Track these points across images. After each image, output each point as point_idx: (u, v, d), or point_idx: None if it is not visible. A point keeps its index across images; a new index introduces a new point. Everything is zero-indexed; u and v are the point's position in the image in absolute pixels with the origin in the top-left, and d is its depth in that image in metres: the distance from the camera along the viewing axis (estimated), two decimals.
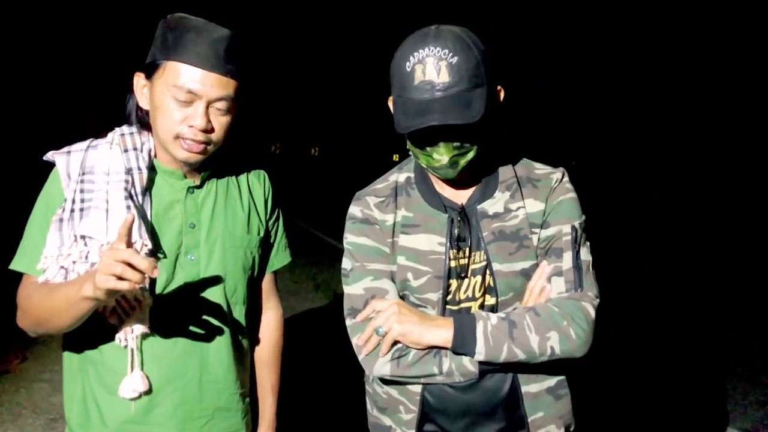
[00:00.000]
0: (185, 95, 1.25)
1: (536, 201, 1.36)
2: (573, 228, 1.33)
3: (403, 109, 1.22)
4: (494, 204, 1.35)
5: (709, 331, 5.19)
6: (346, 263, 1.40)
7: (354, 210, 1.42)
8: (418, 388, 1.36)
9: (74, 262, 1.22)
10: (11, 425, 3.28)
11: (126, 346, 1.28)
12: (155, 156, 1.36)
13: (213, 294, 1.38)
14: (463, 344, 1.24)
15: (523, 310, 1.27)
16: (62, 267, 1.22)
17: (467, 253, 1.34)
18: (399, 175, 1.44)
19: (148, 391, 1.31)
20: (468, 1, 22.44)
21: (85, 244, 1.23)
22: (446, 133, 1.22)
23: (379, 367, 1.30)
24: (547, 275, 1.31)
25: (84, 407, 1.35)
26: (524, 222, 1.34)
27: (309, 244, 9.04)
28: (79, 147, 1.33)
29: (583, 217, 1.37)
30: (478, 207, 1.35)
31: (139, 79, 1.34)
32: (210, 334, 1.38)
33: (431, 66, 1.19)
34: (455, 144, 1.24)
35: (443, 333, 1.24)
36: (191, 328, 1.35)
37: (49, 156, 1.32)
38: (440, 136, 1.23)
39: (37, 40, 16.59)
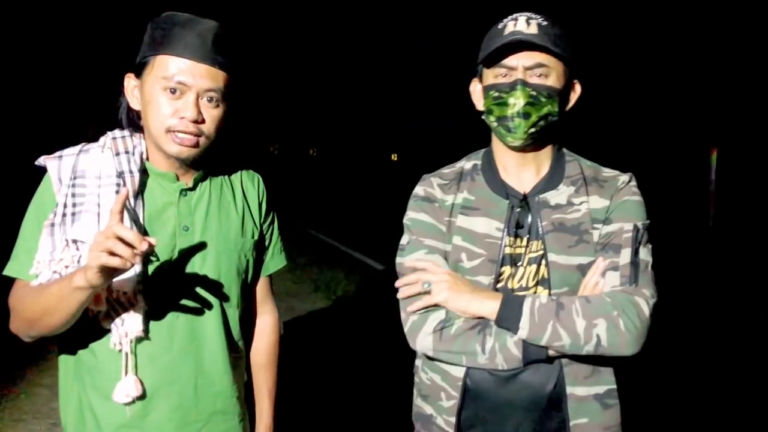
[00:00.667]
0: (175, 86, 1.25)
1: (601, 198, 1.37)
2: (635, 227, 1.31)
3: (489, 53, 1.30)
4: (557, 195, 1.37)
5: None
6: (403, 239, 1.44)
7: (417, 189, 1.47)
8: (460, 374, 1.35)
9: (67, 267, 1.22)
10: (12, 430, 3.27)
11: (120, 350, 1.28)
12: (147, 159, 1.36)
13: (207, 297, 1.37)
14: (507, 317, 1.24)
15: (575, 297, 1.27)
16: (55, 272, 1.22)
17: (525, 243, 1.35)
18: (466, 163, 1.48)
19: (143, 396, 1.31)
20: (465, 4, 22.45)
21: (77, 249, 1.23)
22: (525, 78, 1.29)
23: (421, 339, 1.31)
24: (602, 270, 1.30)
25: (80, 413, 1.35)
26: (586, 216, 1.35)
27: (309, 245, 9.04)
28: (70, 151, 1.33)
29: (648, 221, 1.35)
30: (540, 197, 1.37)
31: (129, 80, 1.34)
32: (204, 338, 1.37)
33: (522, 21, 1.30)
34: (531, 92, 1.28)
35: (490, 304, 1.26)
36: (185, 331, 1.35)
37: (41, 161, 1.32)
38: (519, 81, 1.29)
39: (35, 45, 16.57)
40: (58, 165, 1.30)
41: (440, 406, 1.39)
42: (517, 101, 1.29)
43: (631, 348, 1.22)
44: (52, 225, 1.24)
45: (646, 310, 1.24)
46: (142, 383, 1.30)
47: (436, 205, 1.42)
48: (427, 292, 1.31)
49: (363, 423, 3.42)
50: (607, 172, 1.43)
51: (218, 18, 1.34)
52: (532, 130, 1.31)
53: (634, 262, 1.29)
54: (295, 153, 38.02)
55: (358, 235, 10.07)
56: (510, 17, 1.33)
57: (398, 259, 1.43)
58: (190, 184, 1.38)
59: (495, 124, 1.35)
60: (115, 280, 1.20)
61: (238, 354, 1.48)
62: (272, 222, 1.58)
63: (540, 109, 1.30)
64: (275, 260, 1.59)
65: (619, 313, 1.22)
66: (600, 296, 1.26)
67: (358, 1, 28.66)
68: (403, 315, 1.36)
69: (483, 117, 1.40)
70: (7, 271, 1.30)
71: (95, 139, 1.39)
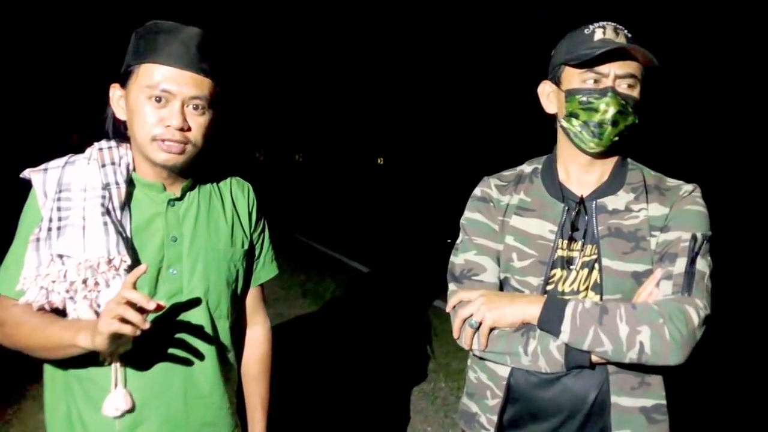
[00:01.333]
0: (160, 94, 1.25)
1: (661, 206, 1.35)
2: (693, 237, 1.28)
3: (582, 55, 1.29)
4: (615, 201, 1.36)
5: None
6: (458, 238, 1.47)
7: (476, 190, 1.50)
8: (505, 374, 1.36)
9: (53, 282, 1.21)
10: None
11: (109, 363, 1.27)
12: (134, 169, 1.35)
13: (196, 308, 1.36)
14: (549, 320, 1.23)
15: (621, 302, 1.25)
16: (42, 287, 1.21)
17: (579, 246, 1.35)
18: (527, 167, 1.50)
19: (132, 409, 1.30)
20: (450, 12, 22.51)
21: (63, 263, 1.22)
22: (615, 87, 1.29)
23: (467, 339, 1.33)
24: (656, 280, 1.28)
25: (69, 425, 1.34)
26: (644, 223, 1.33)
27: (296, 250, 9.01)
28: (56, 164, 1.32)
29: (710, 233, 1.32)
30: (598, 201, 1.36)
31: (114, 91, 1.33)
32: (194, 349, 1.36)
33: (611, 30, 1.31)
34: (621, 101, 1.29)
35: (533, 307, 1.26)
36: (175, 343, 1.34)
37: (26, 174, 1.31)
38: (610, 89, 1.29)
39: (21, 55, 16.43)
40: (43, 178, 1.29)
41: (485, 404, 1.41)
42: (608, 108, 1.28)
43: (675, 357, 1.18)
44: (38, 240, 1.23)
45: (695, 320, 1.20)
46: (131, 396, 1.30)
47: (491, 204, 1.45)
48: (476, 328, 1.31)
49: (354, 428, 3.42)
50: (671, 181, 1.41)
51: (203, 23, 1.34)
52: (616, 138, 1.31)
53: (689, 271, 1.25)
54: (281, 159, 37.93)
55: (346, 239, 10.06)
56: (596, 24, 1.33)
57: (451, 258, 1.46)
58: (178, 194, 1.37)
59: (578, 129, 1.33)
60: (104, 291, 1.21)
61: (229, 365, 1.47)
62: (263, 231, 1.57)
63: (626, 118, 1.30)
64: (266, 270, 1.59)
65: (665, 320, 1.18)
66: (647, 304, 1.23)
67: (342, 5, 28.67)
68: (448, 309, 1.39)
69: (561, 120, 1.39)
70: (1, 291, 1.28)
71: (80, 148, 1.38)
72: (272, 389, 1.62)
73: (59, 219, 1.25)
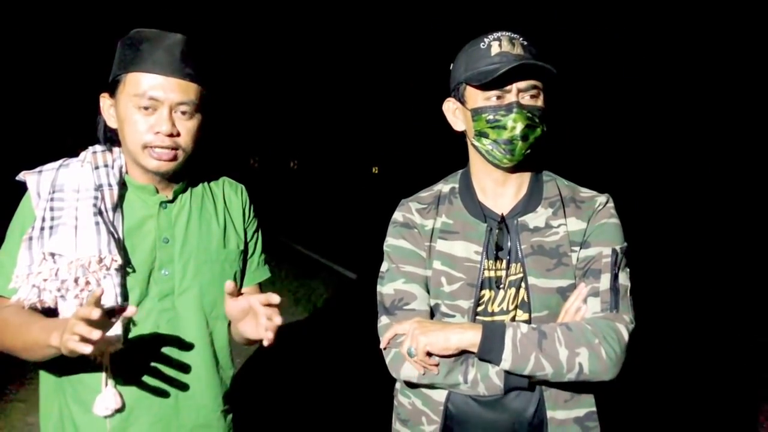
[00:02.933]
0: (147, 102, 1.27)
1: (578, 220, 1.36)
2: (614, 251, 1.32)
3: (482, 74, 1.29)
4: (536, 218, 1.36)
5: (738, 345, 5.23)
6: (383, 266, 1.44)
7: (396, 215, 1.47)
8: (442, 398, 1.35)
9: (45, 280, 1.22)
10: None
11: (100, 363, 1.28)
12: (127, 172, 1.37)
13: (189, 309, 1.37)
14: (490, 349, 1.22)
15: (556, 324, 1.26)
16: (34, 285, 1.22)
17: (504, 265, 1.35)
18: (444, 186, 1.48)
19: (122, 409, 1.31)
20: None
21: (55, 262, 1.23)
22: (520, 101, 1.29)
23: (405, 371, 1.30)
24: (583, 296, 1.30)
25: (60, 425, 1.34)
26: (564, 239, 1.34)
27: (289, 258, 9.00)
28: (51, 166, 1.34)
29: (625, 244, 1.35)
30: (519, 219, 1.36)
31: (104, 100, 1.35)
32: (186, 350, 1.37)
33: (506, 41, 1.30)
34: (528, 114, 1.28)
35: (471, 335, 1.23)
36: (167, 344, 1.34)
37: (21, 176, 1.33)
38: (515, 104, 1.28)
39: (18, 60, 16.42)
40: (37, 180, 1.31)
41: (421, 430, 1.39)
42: (516, 124, 1.28)
43: (610, 373, 1.23)
44: (30, 239, 1.25)
45: (626, 336, 1.25)
46: (121, 396, 1.30)
47: (415, 231, 1.41)
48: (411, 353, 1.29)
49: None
50: (585, 192, 1.42)
51: (195, 30, 1.35)
52: (528, 151, 1.32)
53: (614, 287, 1.29)
54: (275, 166, 37.94)
55: (339, 247, 10.05)
56: (491, 37, 1.32)
57: (378, 288, 1.42)
58: (170, 197, 1.38)
59: (489, 147, 1.33)
60: (96, 291, 1.21)
61: (224, 367, 1.47)
62: (256, 232, 1.57)
63: (535, 130, 1.30)
64: (259, 271, 1.58)
65: (600, 341, 1.22)
66: (581, 324, 1.25)
67: (340, 12, 28.78)
68: (382, 345, 1.36)
69: (471, 139, 1.38)
70: None
71: (74, 150, 1.39)
72: (265, 393, 1.60)
73: (52, 219, 1.26)
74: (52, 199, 1.28)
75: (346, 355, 4.71)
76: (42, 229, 1.25)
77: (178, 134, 1.30)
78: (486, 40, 1.32)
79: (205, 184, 1.48)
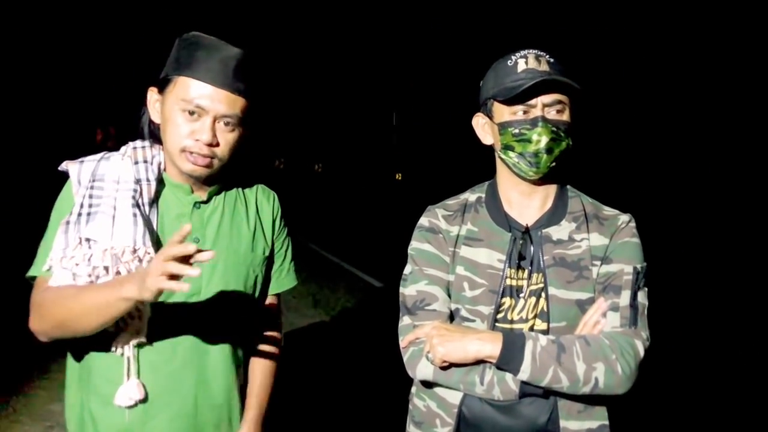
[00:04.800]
0: (193, 108, 1.29)
1: (601, 236, 1.39)
2: (635, 269, 1.35)
3: (508, 90, 1.33)
4: (559, 231, 1.40)
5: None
6: (407, 268, 1.47)
7: (422, 220, 1.50)
8: (456, 401, 1.37)
9: (77, 264, 1.24)
10: (8, 431, 3.28)
11: (122, 355, 1.30)
12: (165, 170, 1.40)
13: (213, 309, 1.39)
14: (509, 360, 1.24)
15: (574, 337, 1.28)
16: (65, 268, 1.25)
17: (526, 275, 1.37)
18: (470, 195, 1.51)
19: (144, 401, 1.33)
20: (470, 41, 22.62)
21: (89, 247, 1.25)
22: (545, 115, 1.32)
23: (421, 368, 1.33)
24: (603, 310, 1.33)
25: (81, 417, 1.37)
26: (586, 253, 1.38)
27: (309, 260, 9.05)
28: (92, 158, 1.37)
29: (645, 264, 1.38)
30: (543, 231, 1.40)
31: (152, 94, 1.38)
32: (207, 350, 1.39)
33: (533, 59, 1.35)
34: (553, 128, 1.32)
35: (490, 345, 1.25)
36: (190, 342, 1.36)
37: (63, 166, 1.36)
38: (540, 118, 1.32)
39: (53, 55, 16.76)
40: (78, 168, 1.34)
41: None
42: (541, 138, 1.32)
43: (624, 387, 1.26)
44: (68, 223, 1.27)
45: (642, 353, 1.28)
46: (144, 387, 1.32)
47: (440, 236, 1.44)
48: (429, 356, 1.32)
49: None
50: (608, 210, 1.45)
51: (229, 32, 1.37)
52: (553, 164, 1.35)
53: (633, 304, 1.32)
54: (300, 168, 38.13)
55: (360, 252, 10.07)
56: (518, 54, 1.36)
57: (401, 289, 1.46)
58: (204, 198, 1.41)
59: (515, 160, 1.37)
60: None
61: (240, 368, 1.49)
62: (285, 240, 1.58)
63: (560, 144, 1.34)
64: (285, 279, 1.59)
65: (617, 356, 1.25)
66: (599, 338, 1.28)
67: (364, 19, 28.89)
68: (402, 345, 1.39)
69: (498, 152, 1.42)
70: (31, 273, 1.32)
71: (104, 144, 1.43)
72: (278, 395, 1.62)
73: (90, 206, 1.29)
74: (92, 187, 1.31)
75: (362, 359, 4.72)
76: (80, 214, 1.28)
77: (217, 144, 1.32)
78: (513, 57, 1.37)
79: (240, 188, 1.50)
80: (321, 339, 5.31)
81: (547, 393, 1.30)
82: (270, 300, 1.59)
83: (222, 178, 1.43)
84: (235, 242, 1.44)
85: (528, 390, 1.27)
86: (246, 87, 1.34)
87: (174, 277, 1.08)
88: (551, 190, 1.44)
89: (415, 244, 1.47)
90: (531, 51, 1.36)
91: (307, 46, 30.97)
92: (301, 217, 13.58)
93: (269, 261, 1.54)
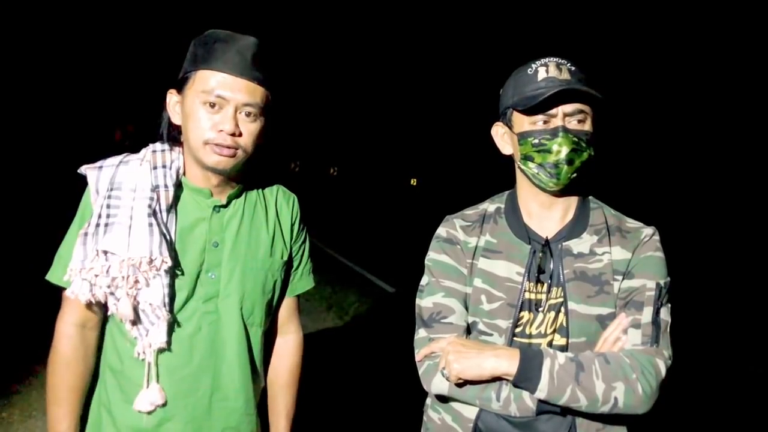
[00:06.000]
0: (214, 99, 1.29)
1: (623, 249, 1.35)
2: (657, 285, 1.31)
3: (527, 99, 1.30)
4: (580, 244, 1.36)
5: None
6: (423, 280, 1.44)
7: (440, 230, 1.46)
8: (472, 416, 1.35)
9: (96, 276, 1.26)
10: (20, 426, 3.31)
11: (144, 359, 1.31)
12: (184, 174, 1.39)
13: (231, 313, 1.39)
14: (526, 378, 1.21)
15: (593, 355, 1.25)
16: (84, 279, 1.26)
17: (545, 288, 1.34)
18: (490, 205, 1.48)
19: (163, 405, 1.34)
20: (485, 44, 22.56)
21: (107, 259, 1.26)
22: (566, 125, 1.29)
23: (437, 383, 1.30)
24: (623, 327, 1.28)
25: (97, 411, 1.39)
26: (608, 267, 1.33)
27: (323, 263, 9.05)
28: (111, 162, 1.37)
29: (668, 279, 1.34)
30: (564, 244, 1.36)
31: (171, 96, 1.38)
32: (224, 354, 1.39)
33: (553, 67, 1.31)
34: (574, 139, 1.29)
35: (506, 362, 1.22)
36: (206, 346, 1.37)
37: (82, 170, 1.37)
38: (561, 128, 1.29)
39: (72, 55, 16.96)
40: (97, 175, 1.34)
41: None
42: (561, 148, 1.28)
43: (644, 407, 1.22)
44: (86, 234, 1.28)
45: (663, 371, 1.24)
46: (164, 392, 1.34)
47: (458, 247, 1.41)
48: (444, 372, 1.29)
49: None
50: (631, 223, 1.41)
51: (243, 31, 1.38)
52: (574, 175, 1.31)
53: (656, 321, 1.28)
54: (315, 171, 38.27)
55: (373, 257, 10.07)
56: (538, 62, 1.33)
57: (417, 301, 1.43)
58: (224, 201, 1.41)
59: (535, 171, 1.33)
60: (144, 290, 1.27)
61: (257, 372, 1.49)
62: (303, 243, 1.58)
63: (581, 154, 1.30)
64: (303, 282, 1.60)
65: (638, 375, 1.21)
66: (619, 356, 1.24)
67: (381, 24, 28.94)
68: (417, 358, 1.36)
69: (518, 163, 1.39)
70: (49, 277, 1.36)
71: (122, 144, 1.44)
72: (298, 401, 1.62)
73: (107, 216, 1.30)
74: (109, 197, 1.31)
75: (374, 365, 4.71)
76: (98, 225, 1.28)
77: (240, 134, 1.32)
78: (534, 65, 1.33)
79: (259, 191, 1.50)
80: (333, 343, 5.31)
81: (565, 411, 1.26)
82: (287, 302, 1.59)
83: (242, 180, 1.43)
84: (254, 247, 1.44)
85: (545, 408, 1.24)
86: (264, 76, 1.34)
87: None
88: (572, 201, 1.40)
89: (432, 255, 1.44)
90: (552, 59, 1.33)
91: (323, 49, 31.09)
92: (315, 220, 13.59)
93: (288, 264, 1.54)
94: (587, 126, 1.31)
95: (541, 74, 1.31)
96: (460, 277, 1.39)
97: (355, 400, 4.03)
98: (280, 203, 1.53)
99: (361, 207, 22.24)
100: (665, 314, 1.31)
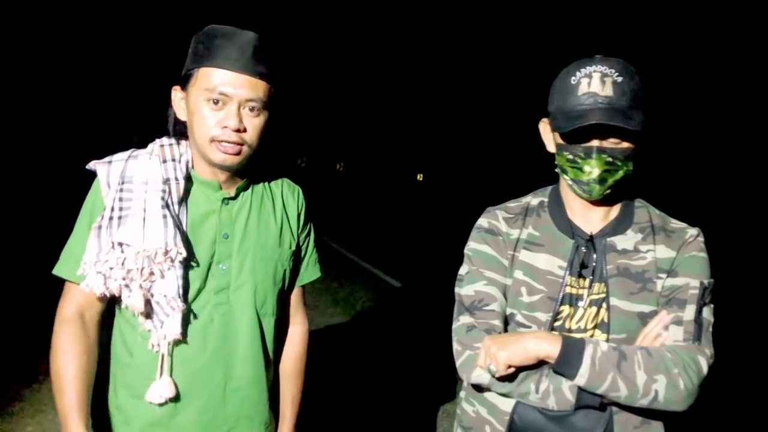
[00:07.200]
0: (217, 97, 1.30)
1: (668, 248, 1.34)
2: (701, 284, 1.30)
3: (564, 116, 1.27)
4: (624, 240, 1.35)
5: None
6: (462, 269, 1.44)
7: (481, 221, 1.46)
8: (508, 409, 1.34)
9: (111, 269, 1.27)
10: (31, 420, 3.34)
11: (158, 351, 1.32)
12: (192, 167, 1.41)
13: (243, 304, 1.41)
14: (567, 363, 1.20)
15: (636, 347, 1.24)
16: (99, 272, 1.27)
17: (587, 284, 1.34)
18: (533, 199, 1.47)
19: (174, 397, 1.35)
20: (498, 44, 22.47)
21: (122, 251, 1.27)
22: (601, 145, 1.26)
23: (476, 374, 1.30)
24: (665, 323, 1.28)
25: (109, 413, 1.39)
26: (651, 265, 1.33)
27: (330, 259, 9.07)
28: (120, 157, 1.38)
29: (712, 280, 1.33)
30: (608, 240, 1.35)
31: (176, 93, 1.39)
32: (237, 344, 1.41)
33: (597, 80, 1.25)
34: (608, 159, 1.26)
35: (548, 346, 1.21)
36: (219, 336, 1.38)
37: (92, 165, 1.37)
38: (595, 149, 1.26)
39: (88, 58, 17.02)
40: (107, 170, 1.35)
41: None
42: (593, 170, 1.27)
43: (683, 404, 1.21)
44: (99, 227, 1.29)
45: (705, 369, 1.23)
46: (175, 385, 1.34)
47: (500, 238, 1.41)
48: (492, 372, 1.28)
49: None
50: (675, 223, 1.40)
51: (252, 28, 1.38)
52: (607, 192, 1.30)
53: (698, 320, 1.27)
54: (322, 166, 38.29)
55: (380, 252, 10.08)
56: (583, 71, 1.27)
57: (456, 289, 1.43)
58: (233, 194, 1.42)
59: (569, 183, 1.33)
60: (158, 281, 1.27)
61: (269, 361, 1.50)
62: (309, 234, 1.61)
63: (615, 173, 1.28)
64: (309, 271, 1.62)
65: (680, 370, 1.20)
66: (661, 351, 1.23)
67: (388, 20, 28.88)
68: (456, 347, 1.35)
69: (557, 167, 1.37)
70: (57, 271, 1.35)
71: (131, 139, 1.44)
72: (304, 390, 1.64)
73: (120, 209, 1.30)
74: (121, 190, 1.32)
75: (381, 360, 4.73)
76: (111, 218, 1.29)
77: (245, 130, 1.33)
78: (578, 74, 1.28)
79: (266, 183, 1.52)
80: (339, 337, 5.32)
81: (604, 405, 1.26)
82: (294, 292, 1.61)
83: (249, 173, 1.45)
84: (263, 237, 1.45)
85: (584, 401, 1.23)
86: (266, 70, 1.34)
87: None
88: (616, 199, 1.38)
89: (473, 245, 1.43)
90: (599, 68, 1.26)
91: (330, 45, 31.07)
92: (322, 215, 13.63)
93: (295, 255, 1.55)
94: (626, 143, 1.27)
95: (583, 87, 1.26)
96: (501, 268, 1.39)
97: (361, 394, 4.05)
98: (286, 195, 1.55)
99: (368, 202, 22.25)
100: (708, 314, 1.29)
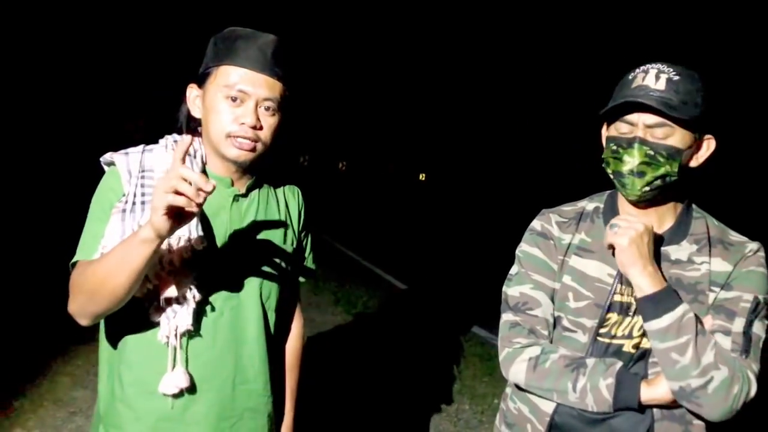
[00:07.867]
0: (236, 94, 1.32)
1: (724, 261, 1.31)
2: (755, 299, 1.26)
3: (612, 103, 1.28)
4: (678, 251, 1.33)
5: None
6: (513, 269, 1.45)
7: (535, 223, 1.47)
8: (549, 410, 1.35)
9: None
10: (32, 415, 3.34)
11: (168, 344, 1.32)
12: (206, 163, 1.42)
13: (250, 298, 1.44)
14: (660, 301, 1.22)
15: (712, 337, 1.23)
16: None
17: None
18: (588, 204, 1.47)
19: (188, 389, 1.35)
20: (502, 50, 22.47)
21: None
22: (644, 137, 1.25)
23: (515, 369, 1.32)
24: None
25: (113, 407, 1.38)
26: (705, 277, 1.30)
27: (332, 258, 9.08)
28: (135, 150, 1.39)
29: None
30: (661, 249, 1.33)
31: (192, 90, 1.41)
32: (245, 336, 1.43)
33: (652, 75, 1.26)
34: (648, 151, 1.24)
35: (648, 281, 1.23)
36: (228, 329, 1.40)
37: (108, 157, 1.37)
38: (637, 139, 1.25)
39: (90, 58, 17.06)
40: (126, 159, 1.36)
41: None
42: (632, 159, 1.25)
43: (723, 413, 1.19)
44: (123, 211, 1.28)
45: (754, 385, 1.20)
46: (190, 375, 1.35)
47: (551, 242, 1.41)
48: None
49: None
50: (735, 236, 1.36)
51: (258, 27, 1.41)
52: (647, 188, 1.27)
53: (747, 333, 1.23)
54: (324, 165, 38.32)
55: (381, 252, 10.09)
56: (642, 68, 1.29)
57: (504, 288, 1.44)
58: (243, 191, 1.45)
59: (611, 176, 1.33)
60: (175, 271, 1.26)
61: (273, 354, 1.52)
62: (308, 232, 1.66)
63: (657, 168, 1.25)
64: (307, 268, 1.67)
65: (740, 377, 1.18)
66: (731, 354, 1.21)
67: (391, 19, 28.90)
68: (500, 343, 1.37)
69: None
70: (76, 259, 1.30)
71: (134, 138, 1.44)
72: (301, 390, 1.66)
73: (143, 194, 1.31)
74: (142, 177, 1.33)
75: (381, 360, 4.73)
76: (134, 203, 1.29)
77: (261, 128, 1.36)
78: (637, 70, 1.29)
79: (271, 183, 1.55)
80: (340, 336, 5.33)
81: (642, 407, 1.25)
82: (292, 287, 1.64)
83: (258, 171, 1.48)
84: (269, 234, 1.49)
85: (622, 401, 1.23)
86: (283, 72, 1.38)
87: (177, 215, 1.08)
88: (669, 208, 1.36)
89: (525, 247, 1.44)
90: (656, 65, 1.27)
91: (332, 44, 31.10)
92: (324, 214, 13.66)
93: (296, 252, 1.59)
94: (672, 141, 1.25)
95: (638, 81, 1.27)
96: (550, 272, 1.39)
97: (361, 393, 4.05)
98: (287, 194, 1.60)
99: (370, 202, 22.27)
100: (759, 329, 1.26)
